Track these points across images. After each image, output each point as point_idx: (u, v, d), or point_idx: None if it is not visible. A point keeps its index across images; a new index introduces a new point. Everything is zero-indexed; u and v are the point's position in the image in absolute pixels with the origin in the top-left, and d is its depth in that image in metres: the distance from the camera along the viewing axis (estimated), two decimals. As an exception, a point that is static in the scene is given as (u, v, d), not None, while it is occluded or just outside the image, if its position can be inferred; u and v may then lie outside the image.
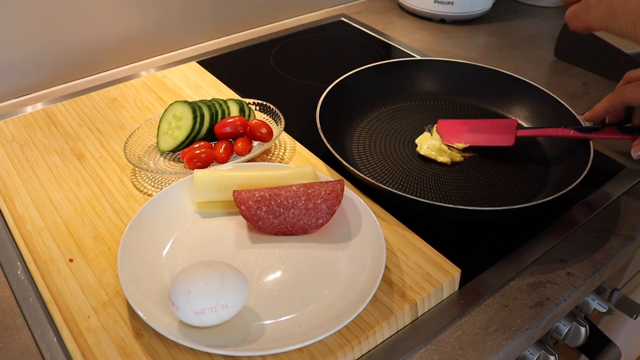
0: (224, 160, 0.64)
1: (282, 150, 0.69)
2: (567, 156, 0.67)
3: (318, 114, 0.67)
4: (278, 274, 0.51)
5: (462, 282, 0.54)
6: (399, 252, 0.54)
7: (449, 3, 1.04)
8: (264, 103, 0.72)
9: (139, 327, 0.47)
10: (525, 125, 0.75)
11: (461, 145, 0.70)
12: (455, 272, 0.52)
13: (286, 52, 0.95)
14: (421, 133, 0.72)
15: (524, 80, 0.76)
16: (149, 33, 0.91)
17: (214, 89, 0.81)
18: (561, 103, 0.71)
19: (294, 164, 0.66)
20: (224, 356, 0.45)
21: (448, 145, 0.70)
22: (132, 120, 0.74)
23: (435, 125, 0.73)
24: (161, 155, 0.67)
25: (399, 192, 0.57)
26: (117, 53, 0.90)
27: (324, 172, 0.65)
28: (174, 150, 0.66)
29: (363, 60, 0.81)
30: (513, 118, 0.74)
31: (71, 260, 0.54)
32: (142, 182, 0.63)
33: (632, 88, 0.63)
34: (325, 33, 1.02)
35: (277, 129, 0.68)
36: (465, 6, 1.05)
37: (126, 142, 0.65)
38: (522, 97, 0.76)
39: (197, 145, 0.64)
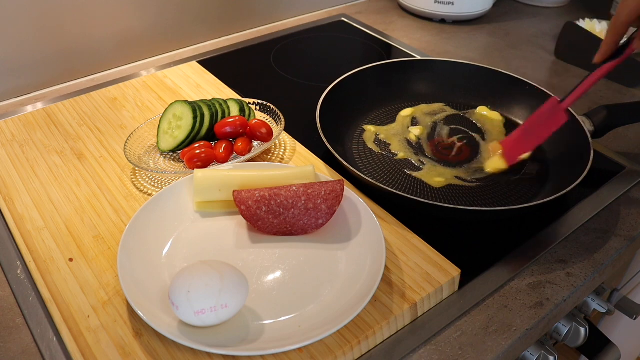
0: (224, 160, 0.64)
1: (282, 150, 0.69)
2: (567, 156, 0.67)
3: (318, 114, 0.67)
4: (278, 273, 0.51)
5: (462, 282, 0.54)
6: (399, 252, 0.54)
7: (449, 3, 1.04)
8: (264, 103, 0.72)
9: (139, 326, 0.47)
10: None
11: (525, 155, 0.67)
12: (455, 272, 0.52)
13: (286, 52, 0.95)
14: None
15: (524, 80, 0.76)
16: (149, 33, 0.91)
17: (214, 88, 0.81)
18: (561, 103, 0.71)
19: (294, 164, 0.66)
20: (223, 356, 0.45)
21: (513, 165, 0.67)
22: (132, 120, 0.74)
23: (499, 150, 0.68)
24: (161, 154, 0.67)
25: (399, 192, 0.57)
26: (117, 53, 0.90)
27: (324, 172, 0.65)
28: (174, 150, 0.66)
29: (363, 60, 0.81)
30: (552, 96, 0.67)
31: (71, 260, 0.54)
32: (142, 182, 0.63)
33: None
34: (325, 33, 1.02)
35: (277, 129, 0.68)
36: (466, 6, 1.05)
37: (126, 142, 0.65)
38: (522, 97, 0.76)
39: (197, 145, 0.64)
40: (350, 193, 0.57)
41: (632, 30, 0.61)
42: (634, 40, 0.59)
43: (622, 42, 0.60)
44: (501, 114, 0.77)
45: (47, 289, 0.51)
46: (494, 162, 0.67)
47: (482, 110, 0.76)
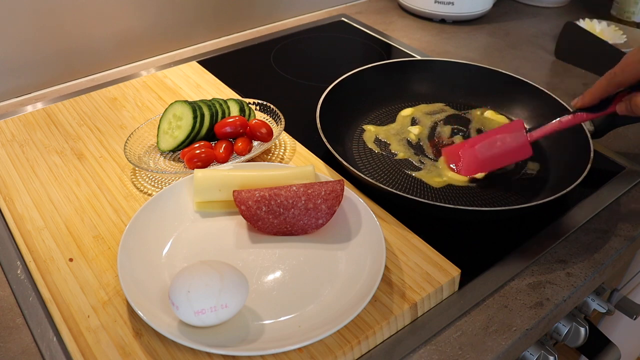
0: (224, 160, 0.64)
1: (282, 150, 0.69)
2: (567, 156, 0.67)
3: (318, 114, 0.67)
4: (278, 273, 0.51)
5: (462, 282, 0.54)
6: (399, 252, 0.54)
7: (449, 3, 1.04)
8: (264, 103, 0.72)
9: (139, 326, 0.47)
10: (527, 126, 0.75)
11: (481, 175, 0.66)
12: (455, 272, 0.52)
13: (286, 52, 0.95)
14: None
15: (524, 81, 0.76)
16: (149, 33, 0.91)
17: (214, 88, 0.81)
18: (561, 103, 0.71)
19: (294, 164, 0.66)
20: (223, 356, 0.45)
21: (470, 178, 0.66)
22: (132, 120, 0.74)
23: (441, 157, 0.69)
24: (161, 154, 0.67)
25: (399, 192, 0.57)
26: (117, 53, 0.90)
27: (324, 172, 0.65)
28: (174, 150, 0.66)
29: (363, 60, 0.81)
30: (515, 119, 0.69)
31: (71, 260, 0.54)
32: (142, 182, 0.63)
33: None
34: (325, 33, 1.02)
35: (277, 129, 0.68)
36: (466, 6, 1.05)
37: (126, 142, 0.65)
38: (522, 97, 0.76)
39: (197, 145, 0.64)
40: (350, 193, 0.57)
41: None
42: (619, 103, 0.58)
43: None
44: (506, 117, 0.77)
45: (47, 289, 0.51)
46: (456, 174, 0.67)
47: (488, 114, 0.76)
